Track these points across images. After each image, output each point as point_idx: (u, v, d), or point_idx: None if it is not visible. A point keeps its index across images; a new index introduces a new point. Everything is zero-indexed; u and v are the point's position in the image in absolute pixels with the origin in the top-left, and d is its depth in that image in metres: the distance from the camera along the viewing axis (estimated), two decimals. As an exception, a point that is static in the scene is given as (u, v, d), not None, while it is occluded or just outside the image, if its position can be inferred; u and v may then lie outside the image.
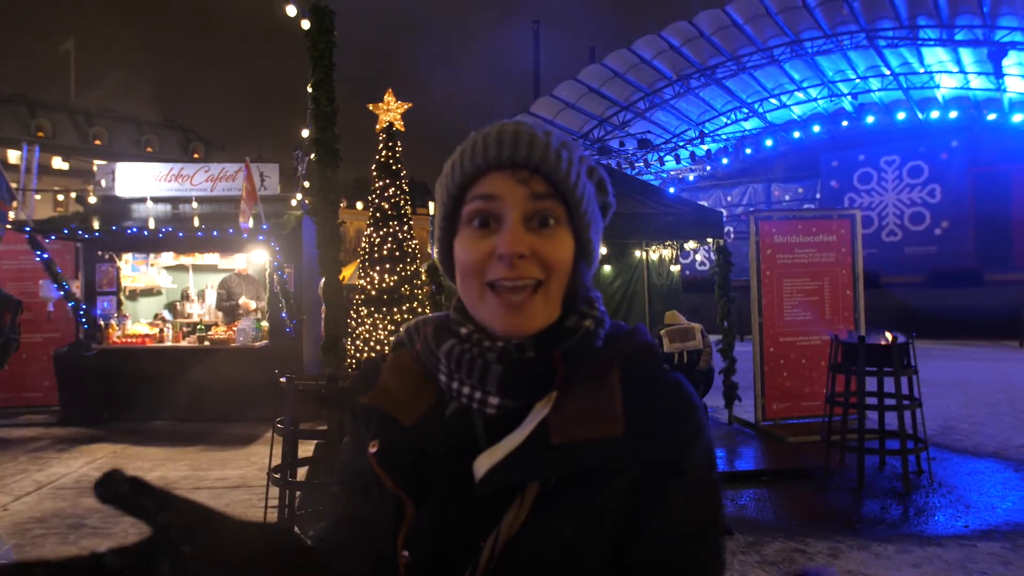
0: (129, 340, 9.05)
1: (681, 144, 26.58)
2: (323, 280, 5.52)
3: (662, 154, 25.63)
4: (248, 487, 6.12)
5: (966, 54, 22.37)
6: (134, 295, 10.38)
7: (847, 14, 21.83)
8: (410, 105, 9.90)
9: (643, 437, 0.79)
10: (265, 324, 9.37)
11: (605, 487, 0.78)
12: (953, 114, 25.09)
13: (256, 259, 9.58)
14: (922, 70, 24.06)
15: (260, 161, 10.33)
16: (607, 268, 10.63)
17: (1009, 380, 11.54)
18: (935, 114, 25.31)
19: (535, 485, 0.77)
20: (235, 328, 9.04)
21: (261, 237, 8.13)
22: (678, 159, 25.65)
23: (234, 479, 6.39)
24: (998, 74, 21.51)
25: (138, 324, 9.53)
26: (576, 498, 0.77)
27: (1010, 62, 21.28)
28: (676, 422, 0.82)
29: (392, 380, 0.89)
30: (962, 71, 23.46)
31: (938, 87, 24.66)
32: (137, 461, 7.01)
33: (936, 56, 23.17)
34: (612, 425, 0.78)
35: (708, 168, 26.87)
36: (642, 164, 25.45)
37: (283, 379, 4.11)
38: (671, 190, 26.66)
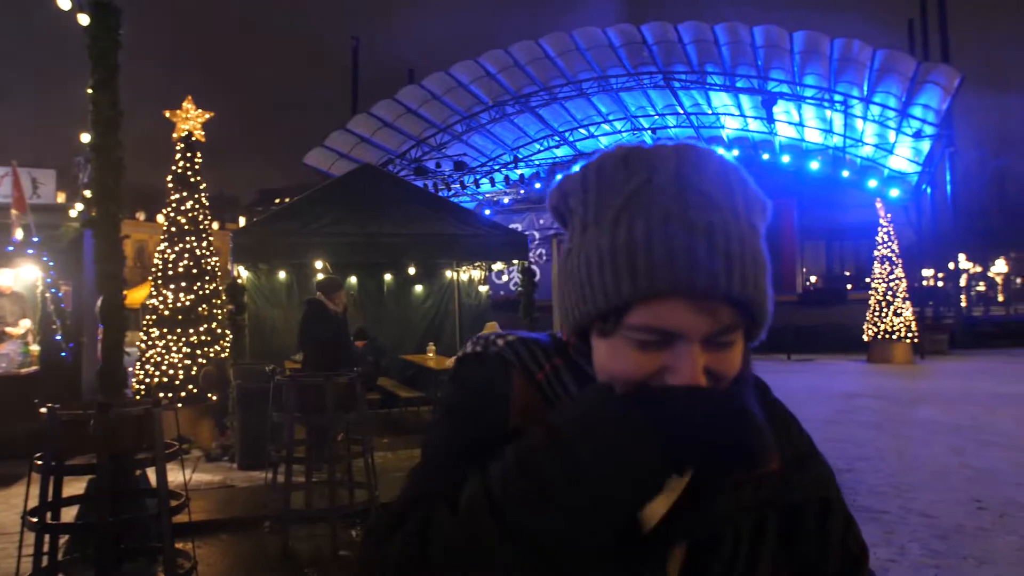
0: None
1: (496, 168, 27.37)
2: (101, 299, 5.04)
3: (478, 177, 26.23)
4: (5, 534, 5.41)
5: (745, 100, 25.12)
6: None
7: (647, 56, 23.74)
8: (211, 115, 9.38)
9: (797, 471, 0.78)
10: (35, 348, 8.38)
11: (758, 526, 0.77)
12: (735, 152, 27.96)
13: (25, 275, 8.57)
14: (710, 111, 26.66)
15: (38, 166, 9.30)
16: (419, 288, 10.66)
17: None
18: (720, 151, 28.02)
19: None
20: (-3, 353, 7.99)
21: (31, 251, 7.30)
22: (493, 182, 26.37)
23: (-13, 525, 5.62)
24: (770, 119, 24.35)
25: None
26: (732, 539, 0.75)
27: (779, 109, 24.17)
28: (811, 455, 0.82)
29: (527, 408, 0.78)
30: (742, 115, 26.29)
31: (723, 127, 27.43)
32: None
33: (721, 100, 25.81)
34: (771, 461, 0.74)
35: (522, 192, 27.85)
36: (458, 186, 25.87)
37: (43, 409, 3.69)
38: (487, 212, 27.32)
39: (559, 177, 0.80)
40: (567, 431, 0.67)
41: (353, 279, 10.30)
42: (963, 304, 29.65)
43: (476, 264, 10.43)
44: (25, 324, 8.54)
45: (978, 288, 45.85)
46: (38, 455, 3.74)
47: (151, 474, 4.95)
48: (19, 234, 7.02)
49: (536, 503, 0.64)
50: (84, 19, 5.15)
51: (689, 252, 0.66)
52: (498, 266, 10.60)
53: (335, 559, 4.79)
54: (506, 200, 28.69)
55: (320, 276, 7.84)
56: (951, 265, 25.49)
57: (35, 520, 3.67)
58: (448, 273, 10.80)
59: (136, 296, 12.61)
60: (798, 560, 0.79)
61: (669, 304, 0.67)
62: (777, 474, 0.73)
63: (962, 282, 35.07)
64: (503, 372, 0.80)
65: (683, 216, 0.68)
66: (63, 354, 8.06)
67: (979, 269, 46.00)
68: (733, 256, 0.67)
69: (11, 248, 7.13)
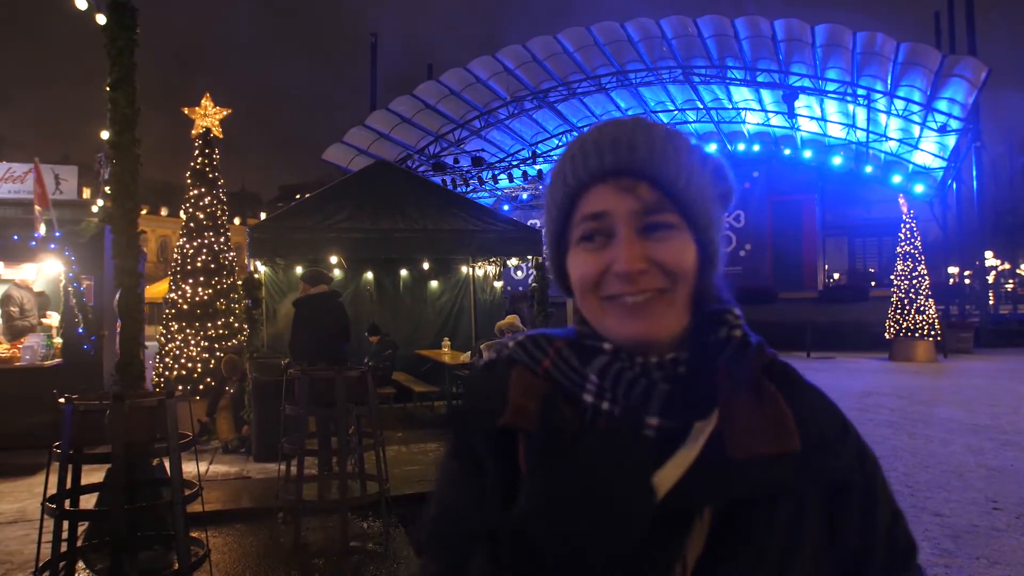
0: None
1: (515, 163, 27.36)
2: (119, 293, 5.14)
3: (496, 172, 26.23)
4: (28, 521, 5.55)
5: (766, 94, 24.85)
6: None
7: (666, 51, 23.58)
8: (229, 111, 9.50)
9: (819, 453, 0.76)
10: (58, 341, 8.55)
11: (782, 508, 0.74)
12: (756, 147, 27.72)
13: (49, 269, 8.74)
14: (730, 106, 26.42)
15: (67, 163, 9.47)
16: (434, 284, 10.71)
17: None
18: (741, 146, 27.85)
19: (709, 508, 0.74)
20: (20, 345, 8.16)
21: (53, 246, 7.44)
22: (511, 178, 26.36)
23: (10, 513, 5.77)
24: (791, 114, 24.08)
25: (-100, 341, 8.34)
26: (756, 519, 0.73)
27: (801, 104, 23.88)
28: (843, 438, 0.80)
29: (524, 400, 0.79)
30: (763, 109, 26.03)
31: (744, 122, 27.18)
32: None
33: (742, 94, 25.56)
34: (788, 440, 0.74)
35: (540, 187, 27.81)
36: (476, 181, 25.91)
37: (61, 399, 3.79)
38: (505, 208, 27.36)
39: None
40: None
41: (369, 274, 10.37)
42: (991, 302, 29.16)
43: (491, 260, 10.47)
44: (56, 316, 8.72)
45: (1007, 286, 44.98)
46: (56, 444, 3.83)
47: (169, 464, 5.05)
48: (42, 229, 7.16)
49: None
50: (101, 19, 5.24)
51: (600, 151, 0.77)
52: (513, 261, 10.62)
53: (346, 550, 4.86)
54: (524, 196, 28.68)
55: (308, 270, 7.86)
56: (977, 262, 25.08)
57: (53, 507, 3.77)
58: (463, 269, 10.84)
59: (159, 290, 12.79)
60: (842, 548, 0.77)
61: (594, 192, 0.78)
62: (795, 455, 0.73)
63: (990, 279, 34.47)
64: (506, 373, 0.83)
65: (599, 132, 0.80)
66: (85, 347, 8.20)
67: (1008, 266, 45.12)
68: (638, 144, 0.77)
69: (34, 243, 7.27)
